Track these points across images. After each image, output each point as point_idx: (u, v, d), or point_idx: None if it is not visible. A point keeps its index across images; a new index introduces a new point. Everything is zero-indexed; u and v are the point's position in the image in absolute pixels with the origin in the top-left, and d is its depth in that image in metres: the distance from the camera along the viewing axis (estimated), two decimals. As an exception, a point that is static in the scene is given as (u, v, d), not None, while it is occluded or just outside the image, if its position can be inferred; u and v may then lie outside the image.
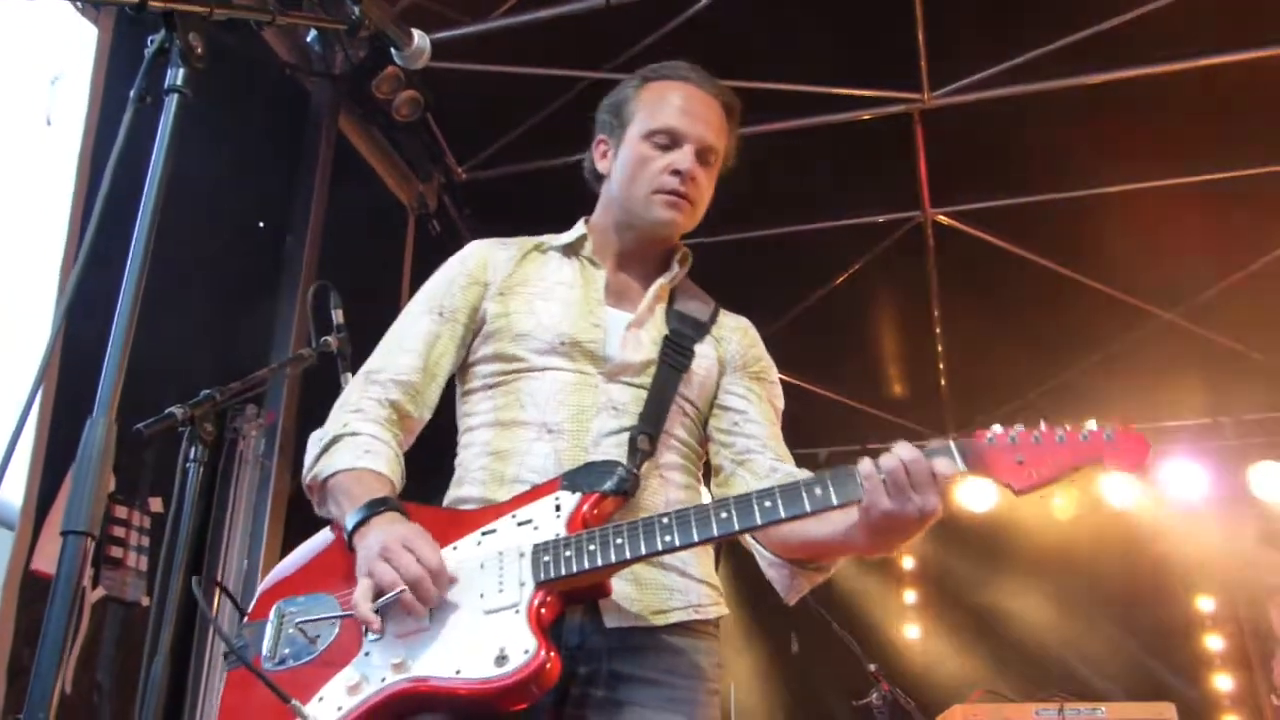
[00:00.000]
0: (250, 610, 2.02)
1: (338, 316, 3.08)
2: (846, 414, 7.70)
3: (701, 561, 2.13)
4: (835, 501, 1.80)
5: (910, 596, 8.13)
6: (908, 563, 8.23)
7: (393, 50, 2.07)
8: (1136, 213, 6.01)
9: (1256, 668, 7.35)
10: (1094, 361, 6.98)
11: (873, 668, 5.25)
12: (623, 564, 1.85)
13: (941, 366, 7.29)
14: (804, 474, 1.93)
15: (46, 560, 3.63)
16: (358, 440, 2.05)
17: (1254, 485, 7.28)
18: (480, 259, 2.27)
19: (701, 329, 2.24)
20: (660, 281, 2.25)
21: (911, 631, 8.00)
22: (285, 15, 1.94)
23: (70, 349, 3.22)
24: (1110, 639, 7.36)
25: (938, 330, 6.92)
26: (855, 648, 5.35)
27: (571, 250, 2.28)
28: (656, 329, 2.20)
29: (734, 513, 1.82)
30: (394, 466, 2.05)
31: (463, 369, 2.24)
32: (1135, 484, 7.57)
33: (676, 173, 2.17)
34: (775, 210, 6.19)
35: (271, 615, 1.97)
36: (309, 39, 5.49)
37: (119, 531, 4.06)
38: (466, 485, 2.12)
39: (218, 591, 4.30)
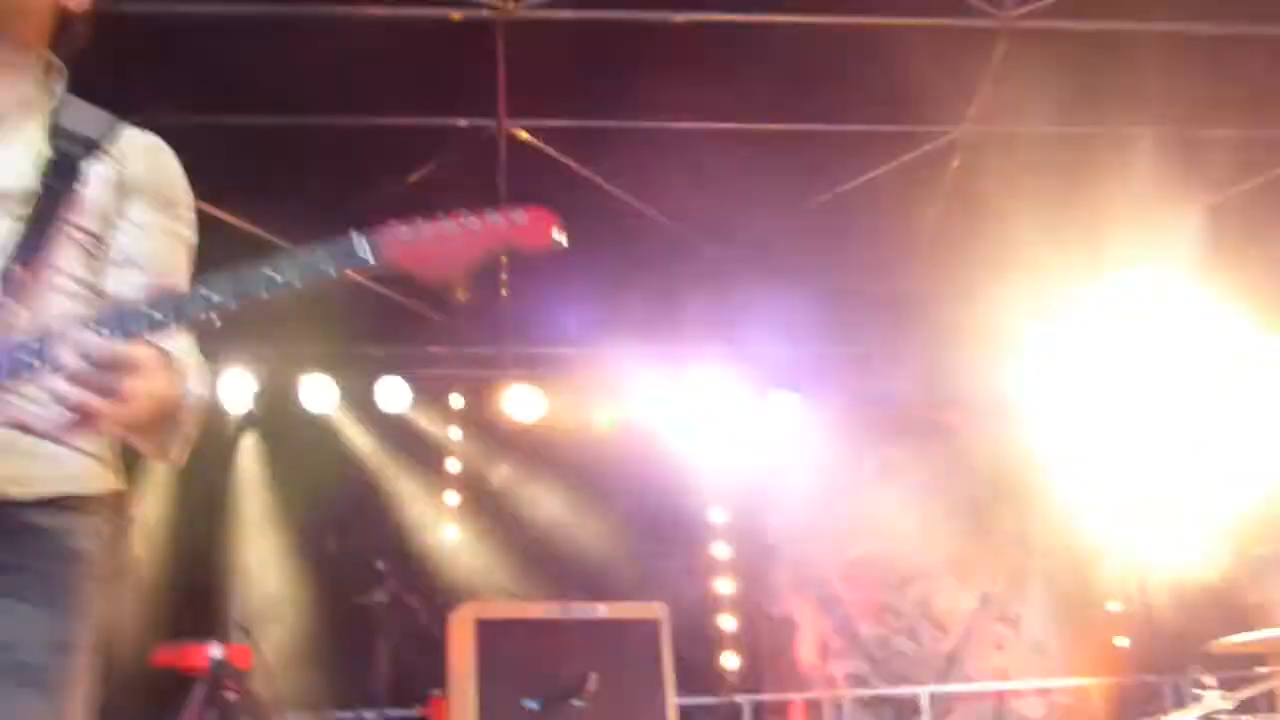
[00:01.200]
0: None
1: None
2: (411, 318, 7.56)
3: None
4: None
5: (451, 498, 8.17)
6: (452, 465, 8.25)
7: None
8: (705, 151, 6.22)
9: (754, 577, 8.19)
10: (654, 287, 7.21)
11: (380, 565, 5.19)
12: None
13: (504, 278, 7.25)
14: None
15: None
16: None
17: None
18: None
19: (94, 148, 1.95)
20: (24, 92, 1.95)
21: (450, 533, 8.06)
22: None
23: None
24: (631, 545, 7.85)
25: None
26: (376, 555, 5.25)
27: None
28: (35, 150, 1.91)
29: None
30: None
31: None
32: (663, 401, 8.04)
33: None
34: (346, 101, 5.81)
35: None
36: None
37: None
38: None
39: None
